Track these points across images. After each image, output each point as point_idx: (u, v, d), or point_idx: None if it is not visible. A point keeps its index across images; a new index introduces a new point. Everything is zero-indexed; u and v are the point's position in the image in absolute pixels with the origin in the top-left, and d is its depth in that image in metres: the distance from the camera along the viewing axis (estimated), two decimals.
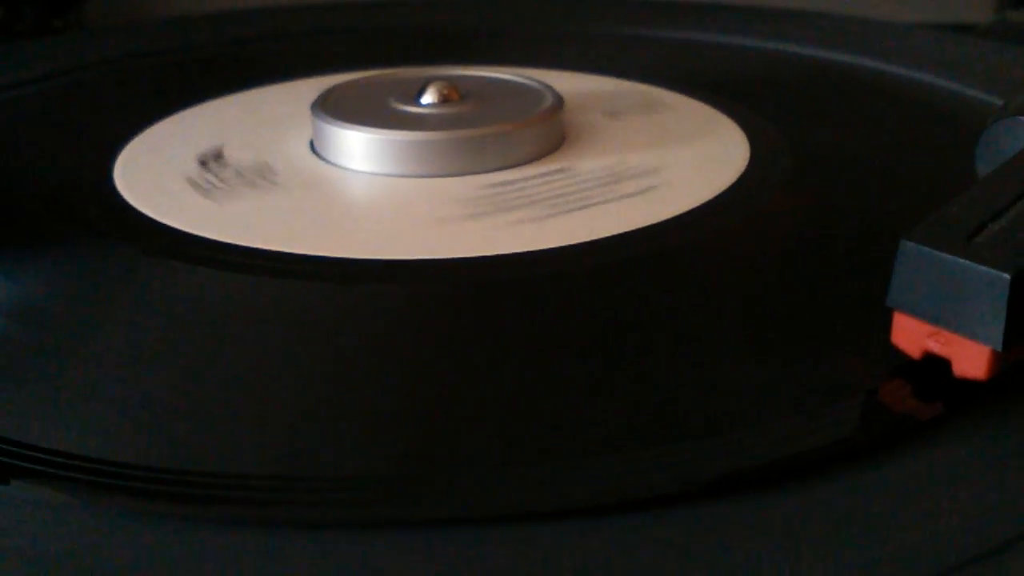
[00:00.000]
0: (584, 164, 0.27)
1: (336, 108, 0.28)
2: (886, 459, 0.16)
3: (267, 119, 0.31)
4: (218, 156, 0.28)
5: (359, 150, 0.27)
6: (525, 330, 0.20)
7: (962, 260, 0.16)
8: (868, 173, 0.27)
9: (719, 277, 0.22)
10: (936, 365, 0.17)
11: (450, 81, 0.29)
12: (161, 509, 0.15)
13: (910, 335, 0.17)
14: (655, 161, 0.27)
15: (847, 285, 0.21)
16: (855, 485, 0.15)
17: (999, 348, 0.16)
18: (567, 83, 0.32)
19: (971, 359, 0.16)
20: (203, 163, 0.27)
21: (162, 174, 0.27)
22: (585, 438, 0.16)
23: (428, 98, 0.28)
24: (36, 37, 0.45)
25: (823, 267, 0.22)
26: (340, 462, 0.16)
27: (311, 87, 0.31)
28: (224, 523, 0.14)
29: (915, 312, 0.17)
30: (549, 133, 0.28)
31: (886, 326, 0.17)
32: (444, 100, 0.28)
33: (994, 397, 0.17)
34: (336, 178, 0.26)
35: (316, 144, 0.28)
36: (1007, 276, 0.16)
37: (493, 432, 0.17)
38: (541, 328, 0.20)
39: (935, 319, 0.17)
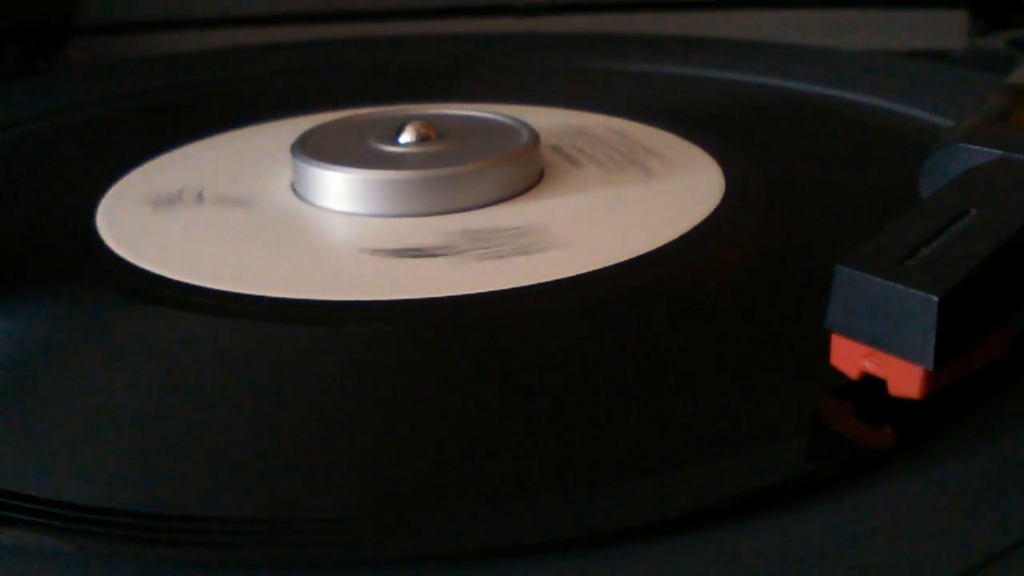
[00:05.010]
0: (560, 200, 0.28)
1: (316, 149, 0.29)
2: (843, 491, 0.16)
3: (249, 160, 0.32)
4: (201, 198, 0.29)
5: (338, 190, 0.27)
6: (500, 369, 0.20)
7: (893, 283, 0.17)
8: (841, 203, 0.28)
9: (695, 311, 0.22)
10: (873, 386, 0.18)
11: (427, 120, 0.30)
12: (139, 554, 0.15)
13: (847, 357, 0.18)
14: (630, 196, 0.28)
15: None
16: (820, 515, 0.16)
17: (931, 368, 0.17)
18: (542, 118, 0.33)
19: (905, 379, 0.17)
20: (185, 207, 0.28)
21: (144, 217, 0.27)
22: (556, 473, 0.17)
23: (406, 137, 0.29)
24: (20, 78, 0.46)
25: (797, 297, 0.22)
26: (324, 503, 0.16)
27: (293, 127, 0.32)
28: (200, 568, 0.15)
29: (851, 334, 0.17)
30: (527, 170, 0.29)
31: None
32: (422, 139, 0.29)
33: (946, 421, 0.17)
34: (317, 219, 0.27)
35: (296, 185, 0.29)
36: (935, 298, 0.16)
37: (462, 471, 0.17)
38: (515, 366, 0.20)
39: (870, 341, 0.17)
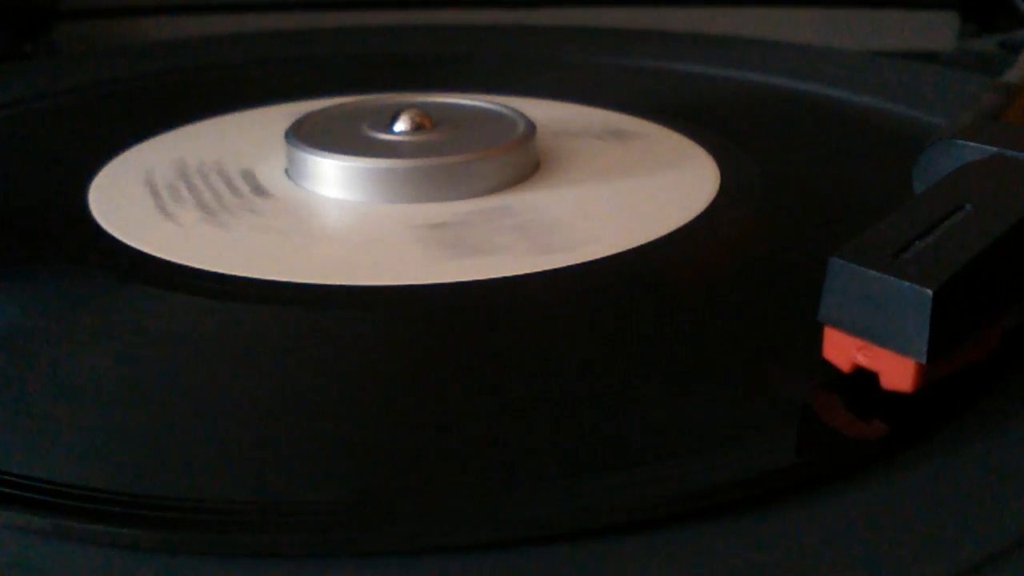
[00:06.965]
0: (555, 192, 0.28)
1: (310, 135, 0.29)
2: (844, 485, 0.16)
3: (241, 145, 0.32)
4: (191, 182, 0.29)
5: (332, 177, 0.27)
6: (490, 357, 0.20)
7: (887, 276, 0.17)
8: (833, 199, 0.28)
9: (687, 304, 0.22)
10: (865, 379, 0.18)
11: (422, 109, 0.30)
12: (127, 535, 0.15)
13: (840, 349, 0.18)
14: (626, 190, 0.28)
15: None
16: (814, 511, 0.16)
17: (924, 361, 0.17)
18: (539, 111, 0.33)
19: (898, 372, 0.17)
20: (176, 189, 0.28)
21: (136, 200, 0.27)
22: (539, 466, 0.17)
23: (401, 126, 0.29)
24: (6, 61, 0.46)
25: (788, 291, 0.22)
26: (307, 488, 0.16)
27: (285, 113, 0.31)
28: (185, 550, 0.15)
29: (844, 327, 0.17)
30: (522, 161, 0.29)
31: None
32: (416, 128, 0.29)
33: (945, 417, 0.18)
34: (310, 204, 0.27)
35: (290, 170, 0.29)
36: (929, 291, 0.16)
37: (445, 461, 0.17)
38: (505, 354, 0.20)
39: (864, 333, 0.17)
